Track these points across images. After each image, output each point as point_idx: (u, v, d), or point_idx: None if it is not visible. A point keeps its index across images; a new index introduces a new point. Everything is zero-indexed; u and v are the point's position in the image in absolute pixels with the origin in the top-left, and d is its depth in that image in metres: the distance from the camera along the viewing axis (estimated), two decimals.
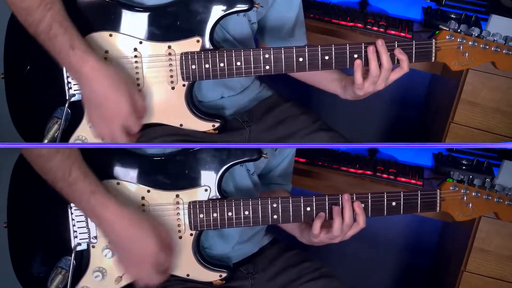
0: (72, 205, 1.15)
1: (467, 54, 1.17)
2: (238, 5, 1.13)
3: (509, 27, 1.63)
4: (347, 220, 1.15)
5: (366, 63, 1.16)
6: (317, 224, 1.17)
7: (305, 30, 1.39)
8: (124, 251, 1.10)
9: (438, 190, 1.19)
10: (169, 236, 1.13)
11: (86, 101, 1.11)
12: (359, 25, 1.83)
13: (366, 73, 1.17)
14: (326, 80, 1.31)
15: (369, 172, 1.87)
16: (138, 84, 1.16)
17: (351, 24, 1.83)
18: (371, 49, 1.14)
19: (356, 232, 1.17)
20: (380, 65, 1.15)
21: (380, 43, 1.14)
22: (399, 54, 1.15)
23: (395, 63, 1.16)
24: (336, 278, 1.27)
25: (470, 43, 1.17)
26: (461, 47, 1.17)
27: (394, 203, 1.17)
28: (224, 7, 1.13)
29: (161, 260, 1.10)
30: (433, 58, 1.17)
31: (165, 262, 1.11)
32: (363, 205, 1.16)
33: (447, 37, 1.16)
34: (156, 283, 1.12)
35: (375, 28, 1.82)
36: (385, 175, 1.86)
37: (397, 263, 2.26)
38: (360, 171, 1.87)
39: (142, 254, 1.09)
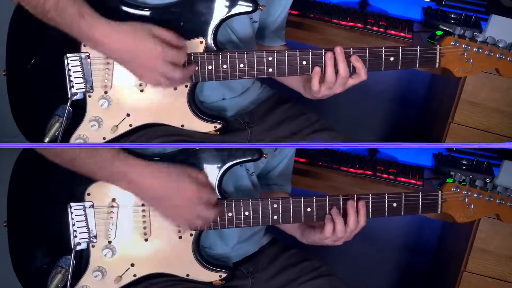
0: (72, 204, 1.15)
1: (471, 61, 1.17)
2: (242, 7, 1.13)
3: (509, 27, 1.63)
4: (351, 225, 1.16)
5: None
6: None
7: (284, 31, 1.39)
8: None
9: (439, 192, 1.18)
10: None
11: (119, 62, 1.11)
12: (359, 25, 1.82)
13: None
14: (291, 78, 1.30)
15: (369, 172, 1.87)
16: (140, 84, 1.16)
17: (351, 24, 1.83)
18: (329, 55, 1.15)
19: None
20: (337, 72, 1.15)
21: (338, 50, 1.14)
22: (355, 61, 1.15)
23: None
24: (335, 277, 1.27)
25: (474, 49, 1.16)
26: (466, 54, 1.16)
27: (395, 204, 1.17)
28: (228, 9, 1.13)
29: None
30: (437, 64, 1.17)
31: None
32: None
33: (451, 43, 1.16)
34: (211, 216, 1.11)
35: (375, 28, 1.82)
36: (385, 175, 1.86)
37: (397, 263, 2.26)
38: (360, 171, 1.87)
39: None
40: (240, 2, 1.13)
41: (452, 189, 1.19)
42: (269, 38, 1.35)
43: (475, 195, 1.19)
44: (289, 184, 1.41)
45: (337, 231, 1.16)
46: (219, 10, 1.14)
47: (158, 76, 1.09)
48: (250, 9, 1.14)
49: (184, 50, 1.11)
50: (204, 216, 1.11)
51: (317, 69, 1.16)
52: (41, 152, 1.12)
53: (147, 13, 1.13)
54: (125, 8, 1.13)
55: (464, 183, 1.19)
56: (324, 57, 1.15)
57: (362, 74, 1.16)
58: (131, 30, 1.08)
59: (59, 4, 1.05)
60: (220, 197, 1.16)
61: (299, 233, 1.27)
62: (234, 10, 1.14)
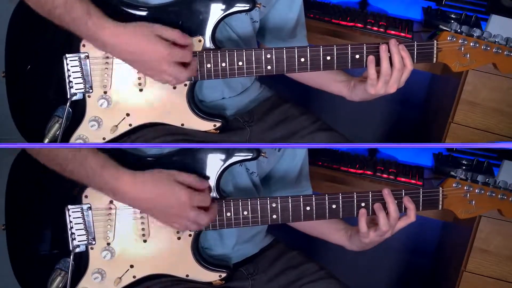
0: (69, 206, 1.15)
1: (468, 56, 1.17)
2: (240, 5, 1.13)
3: (509, 27, 1.62)
4: (393, 214, 1.15)
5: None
6: (362, 222, 1.16)
7: (305, 32, 1.39)
8: (156, 213, 1.11)
9: (440, 188, 1.18)
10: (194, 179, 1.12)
11: (127, 62, 1.12)
12: (359, 25, 1.82)
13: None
14: (331, 82, 1.30)
15: (369, 172, 1.87)
16: (140, 84, 1.16)
17: (351, 24, 1.83)
18: (383, 47, 1.14)
19: (406, 225, 1.17)
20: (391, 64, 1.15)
21: (393, 43, 1.14)
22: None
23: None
24: (336, 280, 1.26)
25: (471, 44, 1.17)
26: (462, 48, 1.17)
27: (396, 202, 1.17)
28: (226, 7, 1.13)
29: (198, 199, 1.10)
30: (435, 59, 1.17)
31: (203, 201, 1.10)
32: (396, 201, 1.16)
33: (448, 38, 1.16)
34: (207, 220, 1.11)
35: (375, 28, 1.82)
36: (385, 175, 1.86)
37: (397, 263, 2.26)
38: (360, 171, 1.87)
39: (175, 202, 1.09)
40: (237, 1, 1.13)
41: (453, 185, 1.18)
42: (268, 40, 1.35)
43: (476, 190, 1.19)
44: (304, 188, 1.38)
45: (380, 225, 1.15)
46: (217, 9, 1.13)
47: (166, 76, 1.10)
48: (247, 7, 1.14)
49: (190, 48, 1.11)
50: (197, 221, 1.10)
51: (371, 57, 1.15)
52: (34, 155, 1.12)
53: (147, 12, 1.13)
54: (125, 8, 1.12)
55: (465, 179, 1.18)
56: (378, 50, 1.15)
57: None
58: (138, 31, 1.08)
59: (67, 2, 1.05)
60: (218, 196, 1.15)
61: (346, 241, 1.26)
62: (232, 9, 1.14)
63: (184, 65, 1.10)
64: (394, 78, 1.16)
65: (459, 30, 1.16)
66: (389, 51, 1.15)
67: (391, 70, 1.15)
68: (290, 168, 1.34)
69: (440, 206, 1.19)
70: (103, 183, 1.08)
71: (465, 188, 1.18)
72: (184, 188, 1.09)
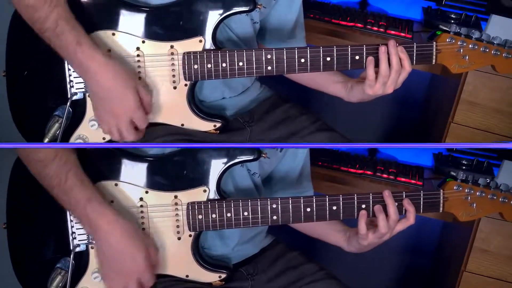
0: None
1: (467, 57, 1.18)
2: (241, 6, 1.13)
3: (509, 27, 1.63)
4: (393, 216, 1.15)
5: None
6: (362, 223, 1.16)
7: (304, 33, 1.39)
8: (112, 262, 1.11)
9: (441, 190, 1.18)
10: (157, 257, 1.13)
11: (94, 96, 1.12)
12: (359, 25, 1.82)
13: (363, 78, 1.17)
14: (329, 83, 1.30)
15: (369, 172, 1.87)
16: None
17: (351, 24, 1.83)
18: (382, 49, 1.15)
19: (405, 228, 1.17)
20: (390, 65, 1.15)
21: (392, 43, 1.15)
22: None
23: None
24: (336, 281, 1.26)
25: (470, 46, 1.17)
26: (461, 50, 1.17)
27: (396, 204, 1.17)
28: (227, 8, 1.13)
29: (145, 279, 1.11)
30: (434, 61, 1.18)
31: (148, 282, 1.11)
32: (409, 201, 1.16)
33: (447, 39, 1.17)
34: None
35: (375, 28, 1.82)
36: (385, 175, 1.86)
37: (397, 263, 2.26)
38: (360, 171, 1.87)
39: (128, 269, 1.09)
40: (238, 2, 1.13)
41: (454, 188, 1.18)
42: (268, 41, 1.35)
43: (477, 193, 1.18)
44: (305, 189, 1.38)
45: (379, 227, 1.15)
46: (217, 10, 1.13)
47: (113, 126, 1.11)
48: (247, 8, 1.14)
49: (147, 118, 1.13)
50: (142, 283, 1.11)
51: (370, 58, 1.15)
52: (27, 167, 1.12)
53: (148, 13, 1.13)
54: (125, 9, 1.12)
55: (466, 181, 1.18)
56: (378, 52, 1.15)
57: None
58: (121, 72, 1.09)
59: (57, 28, 1.05)
60: (219, 197, 1.15)
61: (345, 242, 1.26)
62: (232, 9, 1.14)
63: (136, 127, 1.12)
64: (391, 79, 1.16)
65: (458, 32, 1.16)
66: (388, 52, 1.15)
67: (389, 71, 1.15)
68: (291, 169, 1.34)
69: (441, 209, 1.19)
70: (72, 59, 1.08)
71: (466, 190, 1.18)
72: (137, 99, 1.09)
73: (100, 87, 1.09)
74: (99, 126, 1.15)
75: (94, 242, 1.13)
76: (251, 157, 1.15)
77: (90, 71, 1.07)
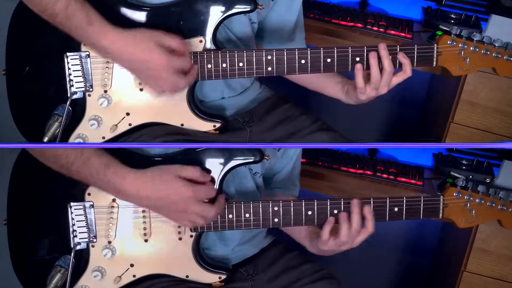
0: (72, 204, 1.15)
1: (468, 60, 1.18)
2: (241, 6, 1.13)
3: (509, 27, 1.63)
4: (355, 225, 1.14)
5: (368, 66, 1.16)
6: (326, 230, 1.16)
7: (304, 35, 1.39)
8: (162, 210, 1.11)
9: (441, 197, 1.18)
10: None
11: (131, 72, 1.12)
12: (359, 25, 1.82)
13: (368, 76, 1.17)
14: (327, 85, 1.30)
15: (369, 172, 1.87)
16: (140, 83, 1.16)
17: (351, 24, 1.83)
18: (372, 54, 1.14)
19: (365, 238, 1.16)
20: (381, 69, 1.15)
21: (382, 47, 1.14)
22: (402, 58, 1.15)
23: (397, 66, 1.16)
24: (336, 280, 1.26)
25: (471, 48, 1.17)
26: (462, 53, 1.17)
27: (396, 209, 1.17)
28: (227, 8, 1.13)
29: (203, 192, 1.10)
30: (434, 63, 1.17)
31: (208, 193, 1.11)
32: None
33: (448, 42, 1.16)
34: (207, 218, 1.11)
35: (375, 28, 1.82)
36: (385, 175, 1.86)
37: (397, 264, 2.26)
38: (360, 171, 1.87)
39: (180, 198, 1.09)
40: (238, 2, 1.13)
41: (454, 194, 1.18)
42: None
43: (477, 200, 1.19)
44: (296, 187, 1.39)
45: (341, 234, 1.15)
46: (218, 10, 1.13)
47: (163, 85, 1.10)
48: (248, 8, 1.14)
49: (188, 55, 1.11)
50: (203, 214, 1.10)
51: (358, 65, 1.15)
52: (37, 157, 1.12)
53: (149, 12, 1.13)
54: (126, 8, 1.12)
55: (466, 188, 1.18)
56: (368, 56, 1.14)
57: (407, 71, 1.15)
58: (138, 39, 1.07)
59: (68, 9, 1.05)
60: (222, 191, 1.15)
61: (308, 241, 1.26)
62: (233, 10, 1.14)
63: (183, 72, 1.10)
64: (384, 81, 1.16)
65: (459, 34, 1.16)
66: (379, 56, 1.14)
67: (380, 76, 1.15)
68: (284, 168, 1.36)
69: (441, 215, 1.19)
70: (106, 182, 1.08)
71: (465, 197, 1.19)
72: (187, 183, 1.09)
73: (127, 61, 1.09)
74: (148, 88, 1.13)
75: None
76: (253, 159, 1.15)
77: (107, 49, 1.07)
